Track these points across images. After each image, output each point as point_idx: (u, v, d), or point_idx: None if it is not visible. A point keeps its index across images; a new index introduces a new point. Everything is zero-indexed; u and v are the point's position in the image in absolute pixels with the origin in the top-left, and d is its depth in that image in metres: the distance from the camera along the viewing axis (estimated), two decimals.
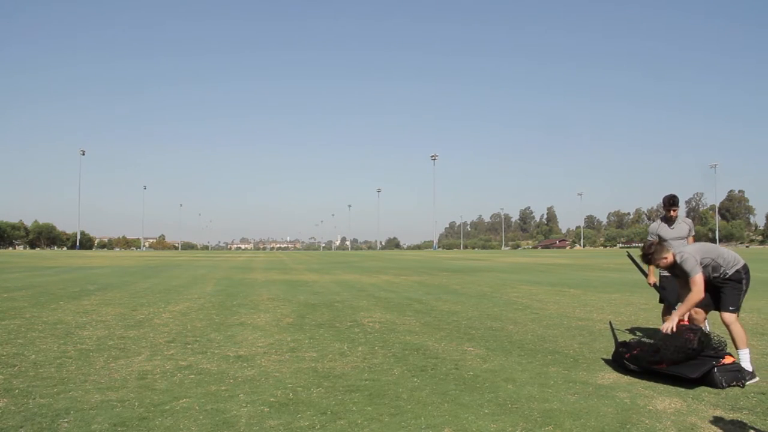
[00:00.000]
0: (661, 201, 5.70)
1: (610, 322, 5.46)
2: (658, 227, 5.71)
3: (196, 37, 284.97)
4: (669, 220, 5.64)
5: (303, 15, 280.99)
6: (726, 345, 4.33)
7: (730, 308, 4.41)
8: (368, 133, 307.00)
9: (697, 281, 4.31)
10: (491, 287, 13.15)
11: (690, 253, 4.41)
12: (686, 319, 4.51)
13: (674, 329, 4.27)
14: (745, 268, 4.52)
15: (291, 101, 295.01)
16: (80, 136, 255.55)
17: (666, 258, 4.52)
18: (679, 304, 5.41)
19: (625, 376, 4.33)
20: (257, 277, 17.07)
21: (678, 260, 4.45)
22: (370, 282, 15.17)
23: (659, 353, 4.23)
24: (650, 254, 4.60)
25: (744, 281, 4.48)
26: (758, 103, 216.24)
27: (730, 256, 4.51)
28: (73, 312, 8.00)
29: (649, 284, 5.78)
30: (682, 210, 5.72)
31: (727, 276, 4.46)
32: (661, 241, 5.67)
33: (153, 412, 3.36)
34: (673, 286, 5.18)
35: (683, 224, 5.62)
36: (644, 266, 5.90)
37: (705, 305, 4.61)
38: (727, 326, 4.41)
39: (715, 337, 4.35)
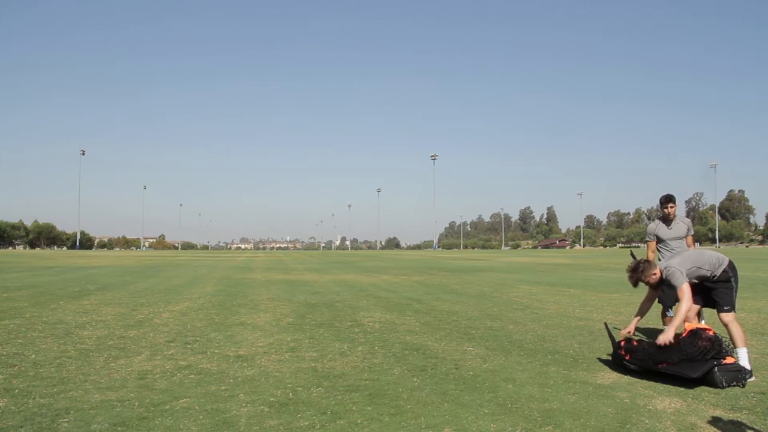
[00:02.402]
0: (658, 201, 5.70)
1: (605, 324, 5.47)
2: (656, 228, 5.70)
3: (196, 37, 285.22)
4: (666, 220, 5.63)
5: (303, 15, 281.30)
6: (731, 346, 4.34)
7: (725, 308, 4.50)
8: (368, 133, 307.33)
9: (684, 290, 4.35)
10: (491, 287, 13.15)
11: (675, 266, 4.47)
12: (701, 324, 4.53)
13: (672, 342, 4.25)
14: (731, 265, 4.61)
15: (291, 101, 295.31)
16: (80, 136, 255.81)
17: (655, 274, 4.55)
18: (671, 310, 5.43)
19: (625, 376, 4.34)
20: (257, 277, 17.06)
21: (664, 276, 4.51)
22: (370, 282, 15.17)
23: (664, 356, 4.23)
24: (639, 271, 4.57)
25: (732, 279, 4.58)
26: (758, 103, 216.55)
27: (714, 258, 4.60)
28: (73, 312, 8.00)
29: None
30: (681, 210, 5.71)
31: (716, 278, 4.55)
32: (660, 242, 5.67)
33: (153, 412, 3.37)
34: (670, 287, 5.19)
35: (681, 224, 5.61)
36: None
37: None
38: (725, 326, 4.46)
39: (725, 340, 4.36)
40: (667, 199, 5.55)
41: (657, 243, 5.70)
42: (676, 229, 5.59)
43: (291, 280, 15.99)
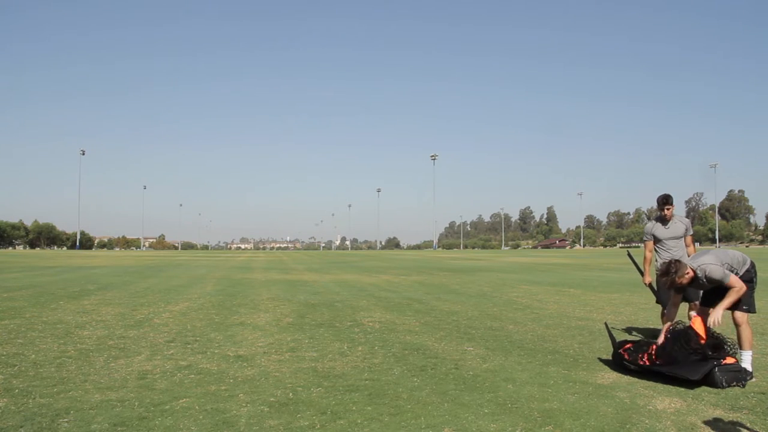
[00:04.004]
0: (656, 201, 5.65)
1: (605, 324, 5.46)
2: (653, 227, 5.62)
3: (196, 37, 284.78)
4: (663, 220, 5.56)
5: (302, 15, 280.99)
6: (732, 346, 4.33)
7: (743, 307, 4.40)
8: (368, 133, 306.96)
9: (734, 281, 4.26)
10: (491, 287, 13.15)
11: (710, 262, 4.35)
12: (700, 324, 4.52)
13: (718, 322, 4.19)
14: (753, 265, 4.59)
15: (291, 101, 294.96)
16: (80, 136, 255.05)
17: (688, 273, 4.36)
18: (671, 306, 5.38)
19: (625, 376, 4.34)
20: (257, 277, 17.06)
21: (701, 273, 4.34)
22: (370, 282, 15.17)
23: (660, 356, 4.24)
24: (672, 272, 4.33)
25: (754, 280, 4.54)
26: (758, 103, 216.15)
27: (740, 257, 4.56)
28: (73, 312, 8.00)
29: (645, 284, 5.76)
30: (681, 210, 5.65)
31: (739, 275, 4.48)
32: (657, 241, 5.61)
33: (153, 412, 3.37)
34: (698, 288, 5.16)
35: (679, 224, 5.54)
36: (642, 266, 5.86)
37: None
38: (737, 326, 4.41)
39: (728, 340, 4.35)
40: (664, 201, 5.47)
41: (654, 243, 5.66)
42: (673, 229, 5.54)
43: (291, 280, 15.99)
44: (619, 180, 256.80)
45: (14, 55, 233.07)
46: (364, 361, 4.84)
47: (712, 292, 4.57)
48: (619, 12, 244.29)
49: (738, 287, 4.25)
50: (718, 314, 4.20)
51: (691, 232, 5.61)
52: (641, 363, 4.33)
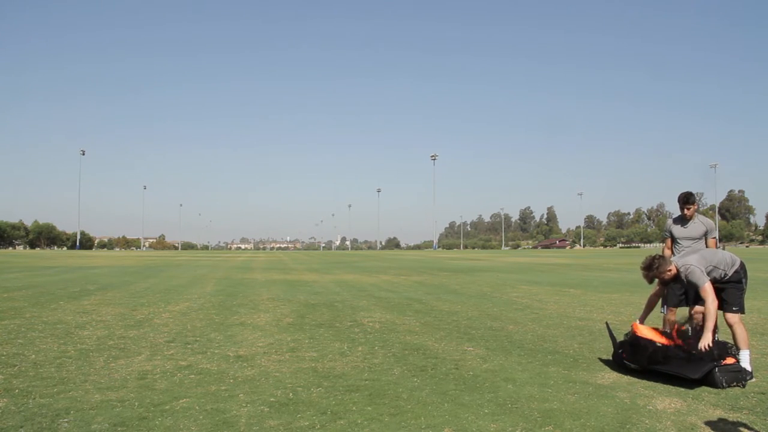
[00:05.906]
0: (677, 200, 5.35)
1: (606, 323, 5.46)
2: (671, 225, 5.43)
3: (196, 37, 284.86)
4: (684, 219, 5.31)
5: (303, 15, 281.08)
6: (730, 347, 4.34)
7: (734, 308, 4.45)
8: (368, 133, 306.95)
9: (708, 289, 4.29)
10: (491, 287, 13.15)
11: (694, 264, 4.38)
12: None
13: (710, 345, 4.21)
14: (743, 266, 4.59)
15: (291, 101, 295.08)
16: (80, 136, 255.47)
17: (670, 270, 4.44)
18: (665, 307, 5.35)
19: (625, 376, 4.34)
20: (257, 277, 17.06)
21: (683, 273, 4.41)
22: (370, 282, 15.17)
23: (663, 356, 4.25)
24: (654, 268, 4.45)
25: (743, 280, 4.55)
26: (758, 103, 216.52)
27: (728, 258, 4.56)
28: (73, 312, 8.00)
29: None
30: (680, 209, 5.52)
31: (728, 277, 4.50)
32: (673, 240, 5.47)
33: (153, 412, 3.37)
34: (673, 287, 5.13)
35: (699, 224, 5.27)
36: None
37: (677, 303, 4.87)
38: (730, 326, 4.43)
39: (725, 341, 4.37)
40: (685, 200, 5.21)
41: (672, 241, 5.44)
42: (692, 229, 5.28)
43: (291, 280, 15.99)
44: (619, 180, 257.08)
45: (14, 55, 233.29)
46: (364, 361, 4.84)
47: (716, 293, 4.58)
48: (619, 12, 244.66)
49: (709, 299, 4.26)
50: (707, 339, 4.23)
51: (714, 235, 5.33)
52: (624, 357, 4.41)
